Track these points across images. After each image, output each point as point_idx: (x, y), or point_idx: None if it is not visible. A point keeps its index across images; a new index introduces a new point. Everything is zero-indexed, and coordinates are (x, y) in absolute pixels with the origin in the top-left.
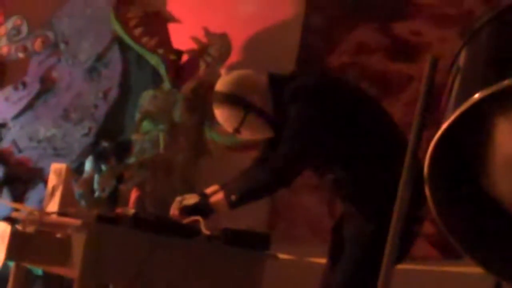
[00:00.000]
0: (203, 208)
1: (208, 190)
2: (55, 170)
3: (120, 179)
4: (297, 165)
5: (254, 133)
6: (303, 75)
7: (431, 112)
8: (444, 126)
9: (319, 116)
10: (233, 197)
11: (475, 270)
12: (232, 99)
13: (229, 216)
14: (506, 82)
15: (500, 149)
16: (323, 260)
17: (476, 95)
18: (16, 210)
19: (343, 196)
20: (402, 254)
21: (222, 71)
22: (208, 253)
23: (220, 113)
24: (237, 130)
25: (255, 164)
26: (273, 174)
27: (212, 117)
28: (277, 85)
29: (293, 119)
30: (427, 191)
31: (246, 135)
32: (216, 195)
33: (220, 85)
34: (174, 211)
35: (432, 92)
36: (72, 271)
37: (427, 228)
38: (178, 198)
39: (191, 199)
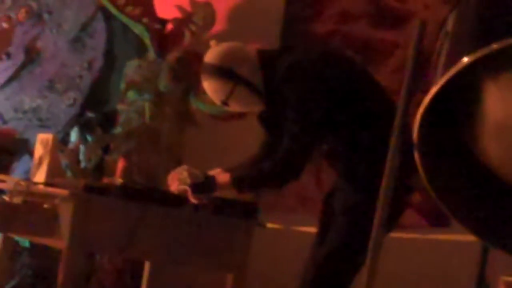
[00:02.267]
0: (206, 186)
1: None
2: (42, 141)
3: (106, 149)
4: (309, 149)
5: (243, 106)
6: (293, 50)
7: (419, 77)
8: (433, 90)
9: (316, 95)
10: (245, 186)
11: (463, 237)
12: (221, 71)
13: None
14: (494, 46)
15: (489, 114)
16: (309, 229)
17: (465, 59)
18: (2, 181)
19: (336, 167)
20: (391, 223)
21: (212, 42)
22: (197, 222)
23: (208, 85)
24: (225, 103)
25: (262, 152)
26: (282, 168)
27: (197, 86)
28: (267, 59)
29: (293, 106)
30: (416, 156)
31: (234, 107)
32: (223, 176)
33: (209, 57)
34: (178, 185)
35: (420, 57)
36: (59, 242)
37: (415, 196)
38: (177, 171)
39: (197, 177)
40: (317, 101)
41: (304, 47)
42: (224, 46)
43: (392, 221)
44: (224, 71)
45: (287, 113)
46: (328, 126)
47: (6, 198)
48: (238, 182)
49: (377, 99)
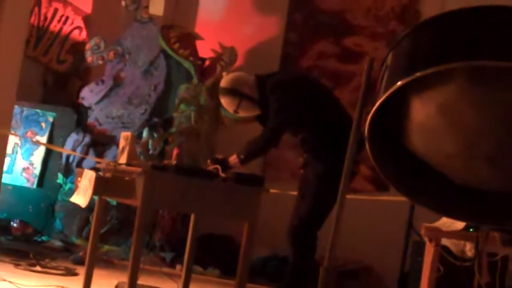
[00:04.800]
0: (225, 164)
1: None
2: (124, 136)
3: (166, 142)
4: (277, 134)
5: (247, 112)
6: (277, 74)
7: (370, 95)
8: (378, 103)
9: (288, 103)
10: (241, 157)
11: (397, 198)
12: (231, 91)
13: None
14: (418, 74)
15: (413, 119)
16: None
17: (399, 83)
18: (99, 162)
19: (307, 149)
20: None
21: (224, 73)
22: (225, 189)
23: (224, 101)
24: (235, 111)
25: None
26: (265, 141)
27: None
28: (261, 81)
29: (273, 106)
30: (368, 146)
31: (242, 113)
32: (232, 156)
33: (222, 83)
34: (215, 168)
35: (369, 82)
36: (135, 202)
37: (365, 170)
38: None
39: (220, 156)
40: (286, 106)
41: (284, 72)
42: (232, 75)
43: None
44: (232, 91)
45: (269, 112)
46: (300, 123)
47: (101, 173)
48: (238, 156)
49: (334, 108)
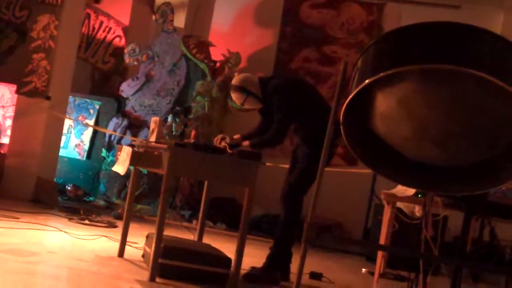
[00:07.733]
0: (235, 145)
1: (234, 136)
2: (153, 121)
3: (185, 125)
4: (285, 125)
5: (251, 106)
6: (276, 77)
7: (344, 90)
8: (350, 96)
9: (288, 101)
10: (253, 142)
11: (364, 170)
12: (240, 88)
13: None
14: (381, 74)
15: (377, 109)
16: (286, 166)
17: (367, 81)
18: (134, 140)
19: (298, 136)
20: (327, 162)
21: (236, 73)
22: (231, 162)
23: (234, 95)
24: (242, 104)
25: (260, 127)
26: (274, 138)
27: (231, 94)
28: (263, 82)
29: (277, 105)
30: (342, 130)
31: (247, 106)
32: (245, 142)
33: (234, 81)
34: (221, 143)
35: (344, 81)
36: (162, 171)
37: (339, 149)
38: (219, 136)
39: (230, 139)
40: (286, 104)
41: (281, 76)
42: (241, 75)
43: (328, 161)
44: (241, 88)
45: (273, 110)
46: (294, 116)
47: (136, 149)
48: (252, 145)
49: (319, 103)
